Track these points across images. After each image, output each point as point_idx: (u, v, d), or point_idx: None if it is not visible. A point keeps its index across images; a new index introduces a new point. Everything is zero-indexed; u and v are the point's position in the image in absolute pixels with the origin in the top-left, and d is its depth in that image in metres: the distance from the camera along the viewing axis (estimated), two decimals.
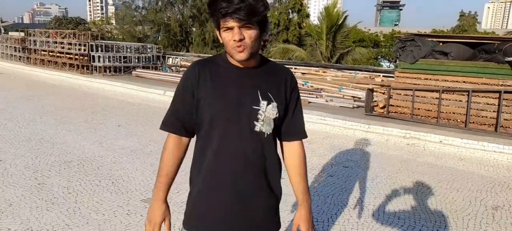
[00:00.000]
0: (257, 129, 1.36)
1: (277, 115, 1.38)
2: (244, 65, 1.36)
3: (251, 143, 1.36)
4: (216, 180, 1.39)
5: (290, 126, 1.46)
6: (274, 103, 1.37)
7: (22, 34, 19.27)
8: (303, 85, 10.31)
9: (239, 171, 1.38)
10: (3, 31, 29.51)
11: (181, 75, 1.51)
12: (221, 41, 1.34)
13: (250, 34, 1.28)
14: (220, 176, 1.39)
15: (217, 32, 1.36)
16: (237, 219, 1.41)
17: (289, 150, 1.49)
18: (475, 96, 6.34)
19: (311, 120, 7.02)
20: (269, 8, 1.33)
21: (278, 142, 1.48)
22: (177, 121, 1.42)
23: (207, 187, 1.41)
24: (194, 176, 1.44)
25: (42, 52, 15.62)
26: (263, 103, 1.35)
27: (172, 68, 14.99)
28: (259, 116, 1.35)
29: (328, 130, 6.85)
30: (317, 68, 12.11)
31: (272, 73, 1.42)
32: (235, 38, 1.26)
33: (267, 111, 1.36)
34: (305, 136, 1.51)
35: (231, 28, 1.27)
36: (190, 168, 1.46)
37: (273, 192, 1.46)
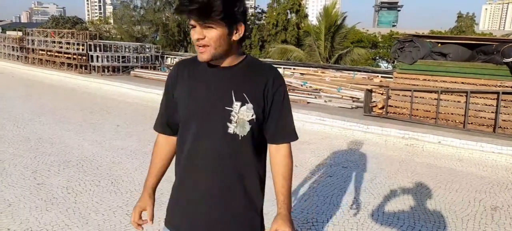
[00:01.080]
0: (230, 130, 1.29)
1: (253, 117, 1.29)
2: (219, 64, 1.31)
3: (224, 145, 1.30)
4: (189, 181, 1.37)
5: (277, 128, 1.37)
6: (250, 105, 1.29)
7: (20, 33, 19.21)
8: (301, 85, 10.32)
9: (211, 175, 1.33)
10: (0, 30, 29.40)
11: None
12: None
13: (211, 34, 1.21)
14: (193, 177, 1.36)
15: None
16: (206, 226, 1.37)
17: (276, 153, 1.40)
18: (474, 97, 6.37)
19: (310, 120, 7.03)
20: (237, 7, 1.23)
21: (258, 145, 1.39)
22: (163, 121, 1.46)
23: (183, 183, 1.41)
24: (176, 166, 1.45)
25: (40, 52, 15.57)
26: (237, 104, 1.28)
27: (170, 68, 14.97)
28: (232, 117, 1.28)
29: (327, 130, 6.86)
30: (316, 69, 12.12)
31: (251, 72, 1.33)
32: (195, 37, 1.22)
33: (241, 113, 1.28)
34: (294, 138, 1.41)
35: (193, 26, 1.22)
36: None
37: (250, 199, 1.37)
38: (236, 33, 1.26)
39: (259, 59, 1.45)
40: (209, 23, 1.19)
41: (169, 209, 1.47)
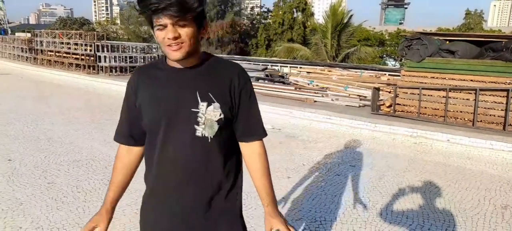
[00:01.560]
0: (198, 133, 1.24)
1: (221, 116, 1.25)
2: (182, 65, 1.26)
3: (193, 150, 1.26)
4: (159, 193, 1.33)
5: (246, 126, 1.34)
6: (216, 104, 1.25)
7: (29, 35, 19.43)
8: (308, 84, 10.31)
9: (182, 183, 1.28)
10: (10, 32, 29.76)
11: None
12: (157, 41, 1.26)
13: (186, 31, 1.18)
14: (162, 189, 1.31)
15: (152, 31, 1.25)
16: None
17: (249, 152, 1.37)
18: (483, 95, 6.30)
19: (317, 119, 7.01)
20: (205, 3, 1.23)
21: (229, 146, 1.37)
22: (125, 131, 1.38)
23: (151, 200, 1.35)
24: (146, 179, 1.39)
25: (49, 53, 15.74)
26: (203, 104, 1.24)
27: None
28: (199, 119, 1.24)
29: (334, 129, 6.84)
30: (323, 67, 12.10)
31: (215, 71, 1.30)
32: (169, 36, 1.17)
33: (208, 114, 1.24)
34: (265, 135, 1.38)
35: (164, 26, 1.17)
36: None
37: (229, 202, 1.35)
38: (203, 30, 1.25)
39: (219, 56, 1.43)
40: (184, 20, 1.16)
41: (143, 220, 1.42)
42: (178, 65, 1.27)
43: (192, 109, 1.24)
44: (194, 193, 1.29)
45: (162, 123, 1.25)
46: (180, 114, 1.24)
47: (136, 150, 1.40)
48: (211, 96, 1.24)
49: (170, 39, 1.17)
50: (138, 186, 4.11)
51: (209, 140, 1.26)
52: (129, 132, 1.37)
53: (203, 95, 1.24)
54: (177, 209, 1.31)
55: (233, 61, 1.41)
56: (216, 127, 1.25)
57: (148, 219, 1.39)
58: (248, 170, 1.39)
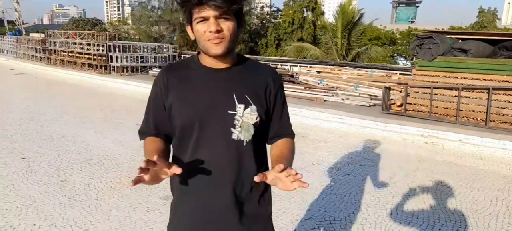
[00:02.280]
0: (234, 136, 1.19)
1: (258, 120, 1.21)
2: (218, 65, 1.22)
3: (227, 153, 1.20)
4: (189, 197, 1.26)
5: (278, 128, 1.32)
6: (253, 107, 1.20)
7: (42, 35, 19.77)
8: (318, 84, 10.27)
9: (214, 188, 1.23)
10: (24, 32, 30.30)
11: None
12: (193, 37, 1.22)
13: (228, 25, 1.15)
14: (193, 193, 1.25)
15: (189, 28, 1.22)
16: None
17: (277, 143, 1.34)
18: (496, 94, 6.20)
19: (327, 119, 6.99)
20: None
21: (262, 149, 1.33)
22: (150, 130, 1.31)
23: (183, 199, 1.30)
24: (174, 183, 1.34)
25: (62, 53, 15.99)
26: (240, 107, 1.19)
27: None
28: (235, 122, 1.19)
29: (344, 128, 6.81)
30: (333, 67, 12.04)
31: (251, 73, 1.26)
32: (212, 29, 1.13)
33: (245, 116, 1.19)
34: (293, 136, 1.38)
35: (206, 19, 1.13)
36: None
37: (262, 207, 1.31)
38: (240, 28, 1.22)
39: (252, 58, 1.39)
40: (227, 14, 1.13)
41: (173, 226, 1.36)
42: (213, 65, 1.23)
43: (229, 112, 1.19)
44: (228, 198, 1.24)
45: (196, 124, 1.20)
46: (216, 116, 1.19)
47: (164, 142, 1.31)
48: (248, 98, 1.20)
49: (212, 33, 1.13)
50: (151, 185, 4.16)
51: (244, 144, 1.21)
52: (155, 130, 1.31)
53: (240, 97, 1.20)
54: (210, 214, 1.26)
55: (266, 64, 1.39)
56: (252, 130, 1.21)
57: (180, 225, 1.33)
58: (271, 156, 1.31)
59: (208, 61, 1.23)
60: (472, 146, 5.71)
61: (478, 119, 6.41)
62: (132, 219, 3.23)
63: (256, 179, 1.05)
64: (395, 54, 24.90)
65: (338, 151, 5.48)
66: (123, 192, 3.77)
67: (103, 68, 13.63)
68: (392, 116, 7.01)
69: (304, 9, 24.96)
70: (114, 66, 13.42)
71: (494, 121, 6.24)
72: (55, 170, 4.33)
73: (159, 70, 9.57)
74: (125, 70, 13.48)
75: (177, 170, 1.05)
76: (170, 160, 1.31)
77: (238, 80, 1.23)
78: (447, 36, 7.15)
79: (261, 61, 1.59)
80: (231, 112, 1.19)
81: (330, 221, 3.29)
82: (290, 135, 1.36)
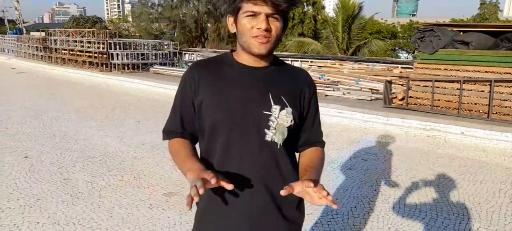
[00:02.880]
0: (268, 138, 1.14)
1: (292, 123, 1.16)
2: (254, 64, 1.17)
3: (261, 155, 1.15)
4: (221, 201, 1.18)
5: (310, 135, 1.28)
6: (289, 109, 1.15)
7: (43, 34, 19.77)
8: (319, 78, 10.25)
9: (248, 191, 1.16)
10: (25, 31, 30.30)
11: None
12: (233, 30, 1.16)
13: (277, 26, 1.10)
14: (225, 196, 1.17)
15: (231, 19, 1.16)
16: None
17: (306, 152, 1.29)
18: (498, 86, 6.17)
19: (329, 113, 6.98)
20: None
21: (293, 154, 1.28)
22: (176, 129, 1.26)
23: (212, 208, 1.21)
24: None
25: (63, 51, 15.99)
26: (276, 108, 1.14)
27: (189, 64, 15.13)
28: (270, 123, 1.14)
29: (346, 122, 6.80)
30: (334, 61, 12.00)
31: (287, 75, 1.22)
32: (262, 26, 1.07)
33: (280, 118, 1.14)
34: (324, 145, 1.33)
35: (256, 14, 1.08)
36: None
37: (297, 215, 1.25)
38: (284, 29, 1.16)
39: (286, 61, 1.33)
40: (278, 14, 1.09)
41: None
42: (249, 63, 1.17)
43: (264, 112, 1.14)
44: (260, 205, 1.17)
45: (228, 123, 1.14)
46: (250, 116, 1.14)
47: (191, 142, 1.25)
48: (284, 100, 1.16)
49: (260, 30, 1.08)
50: (153, 181, 4.18)
51: (278, 146, 1.16)
52: (182, 129, 1.25)
53: (276, 98, 1.15)
54: (240, 221, 1.18)
55: (300, 67, 1.36)
56: (286, 133, 1.16)
57: (204, 229, 1.26)
58: (300, 161, 1.27)
59: (244, 59, 1.17)
60: (475, 139, 5.69)
61: (480, 111, 6.39)
62: (135, 216, 3.24)
63: (283, 192, 1.00)
64: (397, 48, 24.81)
65: (339, 145, 5.48)
66: (126, 190, 3.78)
67: (104, 66, 13.63)
68: (393, 109, 7.00)
69: (305, 4, 24.87)
70: (115, 64, 13.41)
71: (496, 113, 6.21)
72: (57, 168, 4.34)
73: (159, 67, 9.45)
74: (126, 67, 13.47)
75: (228, 186, 1.00)
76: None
77: (274, 81, 1.18)
78: (448, 29, 7.12)
79: None
80: (266, 112, 1.14)
81: (332, 215, 3.30)
82: (321, 143, 1.31)
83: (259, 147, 1.14)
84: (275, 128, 1.14)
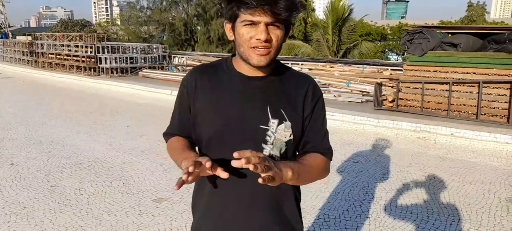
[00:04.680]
0: (266, 152, 1.08)
1: (291, 137, 1.11)
2: (254, 73, 1.11)
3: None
4: (216, 216, 1.15)
5: (312, 145, 1.17)
6: (288, 123, 1.09)
7: (29, 38, 19.48)
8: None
9: (245, 206, 1.13)
10: (11, 35, 29.83)
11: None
12: (232, 38, 1.09)
13: (278, 35, 1.03)
14: (220, 211, 1.14)
15: (228, 26, 1.09)
16: None
17: (306, 154, 1.18)
18: (486, 87, 6.25)
19: None
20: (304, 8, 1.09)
21: None
22: (176, 132, 1.24)
23: (208, 221, 1.18)
24: (197, 203, 1.23)
25: (50, 56, 15.77)
26: (273, 122, 1.08)
27: (178, 67, 15.03)
28: (267, 138, 1.08)
29: (337, 125, 6.81)
30: (324, 64, 12.04)
31: (288, 84, 1.15)
32: (261, 37, 1.01)
33: (278, 133, 1.08)
34: (331, 155, 1.21)
35: (255, 24, 1.01)
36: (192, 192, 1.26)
37: (290, 228, 1.20)
38: (286, 37, 1.09)
39: (290, 66, 1.24)
40: (279, 22, 1.01)
41: None
42: (248, 72, 1.11)
43: (261, 126, 1.08)
44: (257, 219, 1.13)
45: (224, 137, 1.09)
46: (247, 130, 1.08)
47: (191, 141, 1.21)
48: (283, 113, 1.09)
49: (260, 41, 1.01)
50: (142, 187, 4.11)
51: (276, 159, 1.09)
52: (179, 132, 1.23)
53: (275, 111, 1.08)
54: None
55: (306, 73, 1.26)
56: (284, 148, 1.11)
57: None
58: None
59: (243, 68, 1.11)
60: (464, 140, 5.75)
61: (469, 112, 6.46)
62: (124, 223, 3.17)
63: (235, 154, 0.88)
64: (386, 50, 25.05)
65: None
66: (115, 196, 3.71)
67: (92, 70, 13.47)
68: (384, 111, 7.03)
69: None
70: (103, 68, 13.26)
71: (485, 114, 6.29)
72: (44, 175, 4.25)
73: (148, 70, 9.35)
74: (114, 71, 13.33)
75: (223, 174, 0.95)
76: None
77: (274, 92, 1.11)
78: (437, 31, 7.20)
79: None
80: (264, 127, 1.08)
81: (324, 219, 3.28)
82: (326, 153, 1.18)
83: None
84: (273, 143, 1.09)
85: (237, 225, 1.14)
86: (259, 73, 1.12)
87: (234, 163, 0.88)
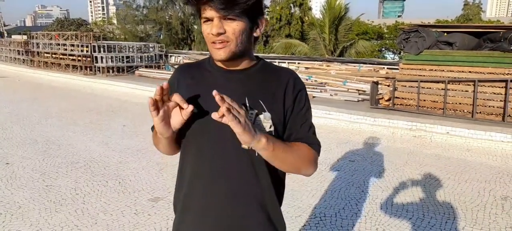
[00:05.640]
0: (245, 145, 1.03)
1: (272, 129, 1.08)
2: (231, 67, 1.11)
3: (238, 164, 1.09)
4: (195, 212, 1.14)
5: (298, 138, 1.15)
6: (267, 114, 1.08)
7: (25, 37, 19.36)
8: (306, 80, 10.27)
9: (225, 202, 1.11)
10: (6, 35, 29.64)
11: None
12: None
13: (234, 27, 1.02)
14: (199, 207, 1.13)
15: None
16: None
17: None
18: (481, 86, 6.28)
19: (316, 115, 6.99)
20: None
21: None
22: None
23: (187, 217, 1.16)
24: (176, 202, 1.21)
25: (45, 55, 15.69)
26: (252, 113, 1.07)
27: (175, 66, 15.02)
28: None
29: (333, 124, 6.82)
30: (321, 62, 12.07)
31: (267, 76, 1.14)
32: (212, 32, 1.01)
33: (257, 124, 1.07)
34: (318, 148, 1.19)
35: (210, 19, 1.02)
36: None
37: (272, 226, 1.16)
38: (257, 28, 1.10)
39: (271, 61, 1.24)
40: (231, 15, 1.01)
41: None
42: (226, 66, 1.12)
43: None
44: (237, 217, 1.12)
45: (202, 130, 1.09)
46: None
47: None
48: (262, 104, 1.08)
49: (214, 35, 1.02)
50: (138, 186, 4.10)
51: (256, 154, 1.06)
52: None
53: (253, 103, 1.07)
54: (221, 228, 1.13)
55: (287, 67, 1.25)
56: None
57: None
58: None
59: (220, 62, 1.12)
60: (460, 138, 5.77)
61: (465, 111, 6.49)
62: (120, 222, 3.16)
63: (214, 92, 0.90)
64: (383, 49, 25.10)
65: (327, 146, 5.48)
66: (111, 195, 3.70)
67: (88, 69, 13.41)
68: (380, 110, 7.05)
69: (291, 5, 24.97)
70: (99, 67, 13.21)
71: (480, 112, 6.32)
72: (40, 175, 4.23)
73: (145, 70, 9.35)
74: (110, 70, 13.29)
75: (185, 104, 1.00)
76: (176, 170, 1.22)
77: (253, 84, 1.11)
78: (432, 30, 7.22)
79: None
80: None
81: (320, 217, 3.28)
82: (312, 145, 1.15)
83: (235, 155, 1.07)
84: None
85: (217, 218, 1.13)
86: (237, 67, 1.12)
87: (214, 115, 0.91)
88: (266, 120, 1.08)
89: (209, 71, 1.15)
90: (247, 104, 1.07)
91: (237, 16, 1.02)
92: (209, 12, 1.01)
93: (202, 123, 1.09)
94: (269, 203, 1.14)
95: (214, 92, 0.90)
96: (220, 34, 1.02)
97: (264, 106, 1.08)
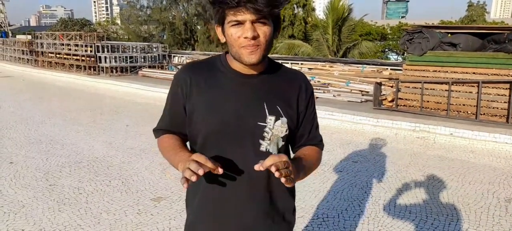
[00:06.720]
0: (263, 148, 1.11)
1: (287, 133, 1.14)
2: (248, 71, 1.13)
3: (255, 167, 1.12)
4: (214, 210, 1.17)
5: (307, 139, 1.25)
6: (284, 119, 1.13)
7: (29, 37, 19.47)
8: (310, 80, 10.26)
9: (243, 200, 1.15)
10: (10, 34, 29.82)
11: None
12: (223, 40, 1.11)
13: (265, 31, 1.04)
14: (218, 205, 1.17)
15: (218, 29, 1.11)
16: None
17: (302, 148, 1.27)
18: (486, 87, 6.25)
19: (319, 115, 6.87)
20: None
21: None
22: (167, 126, 1.27)
23: (203, 218, 1.20)
24: (190, 199, 1.24)
25: (49, 55, 15.76)
26: (270, 118, 1.11)
27: (178, 66, 15.04)
28: (265, 134, 1.11)
29: (336, 125, 6.81)
30: (324, 63, 12.04)
31: (282, 80, 1.18)
32: (248, 35, 1.02)
33: (275, 129, 1.11)
34: (322, 147, 1.30)
35: (241, 23, 1.02)
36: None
37: (284, 222, 1.24)
38: (278, 33, 1.12)
39: (281, 63, 1.28)
40: (265, 18, 1.02)
41: None
42: (243, 70, 1.13)
43: (259, 123, 1.10)
44: (256, 213, 1.17)
45: (222, 135, 1.11)
46: (244, 127, 1.10)
47: (182, 138, 1.24)
48: (279, 109, 1.12)
49: (248, 39, 1.02)
50: (141, 186, 4.11)
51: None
52: (170, 128, 1.25)
53: (271, 108, 1.12)
54: (239, 227, 1.18)
55: (296, 69, 1.31)
56: (281, 143, 1.14)
57: None
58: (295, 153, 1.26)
59: (237, 65, 1.13)
60: (463, 140, 5.75)
61: (469, 112, 6.46)
62: (123, 222, 3.17)
63: (256, 167, 0.97)
64: (386, 50, 25.04)
65: (330, 147, 5.47)
66: (114, 195, 3.71)
67: (92, 69, 13.47)
68: (383, 111, 7.03)
69: (295, 6, 24.96)
70: (103, 67, 13.26)
71: (484, 114, 6.29)
72: (43, 174, 4.25)
73: (148, 70, 9.34)
74: (114, 70, 13.33)
75: (220, 170, 1.00)
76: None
77: (269, 89, 1.14)
78: (436, 31, 7.19)
79: None
80: (261, 124, 1.11)
81: (323, 218, 3.28)
82: (319, 144, 1.27)
83: (254, 157, 1.09)
84: (270, 139, 1.12)
85: (233, 220, 1.17)
86: (253, 71, 1.14)
87: (257, 167, 0.97)
88: (282, 125, 1.13)
89: (223, 73, 1.15)
90: (266, 111, 1.11)
91: (267, 20, 1.03)
92: (242, 15, 1.01)
93: (221, 126, 1.11)
94: (281, 199, 1.21)
95: (257, 167, 0.97)
96: (254, 37, 1.03)
97: (281, 112, 1.13)
